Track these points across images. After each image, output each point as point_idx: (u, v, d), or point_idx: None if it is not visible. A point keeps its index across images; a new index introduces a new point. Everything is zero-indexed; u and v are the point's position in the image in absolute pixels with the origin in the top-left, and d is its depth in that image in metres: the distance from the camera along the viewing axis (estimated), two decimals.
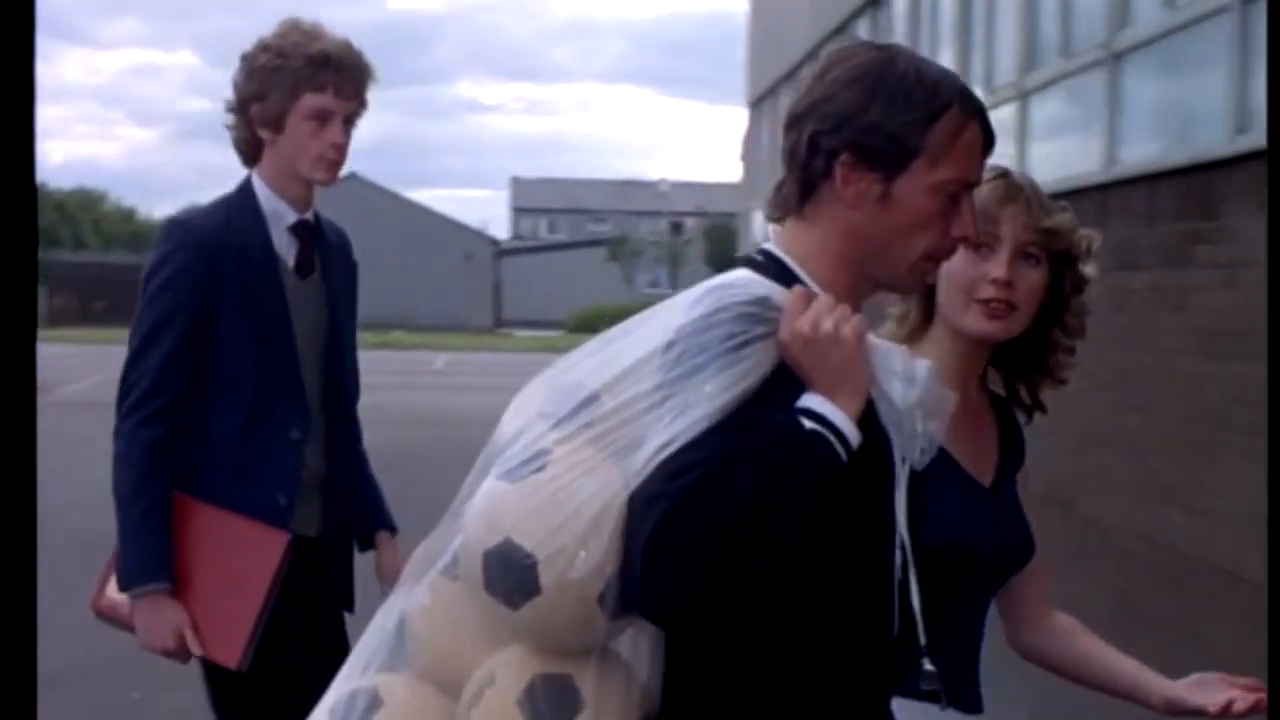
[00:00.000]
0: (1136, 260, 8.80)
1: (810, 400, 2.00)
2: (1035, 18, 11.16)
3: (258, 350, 3.56)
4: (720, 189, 71.84)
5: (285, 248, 3.63)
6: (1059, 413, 2.72)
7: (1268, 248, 4.67)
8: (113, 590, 3.57)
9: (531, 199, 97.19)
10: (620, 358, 2.04)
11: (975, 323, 2.52)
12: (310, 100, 3.56)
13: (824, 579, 2.03)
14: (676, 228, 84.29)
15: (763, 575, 1.98)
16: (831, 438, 1.98)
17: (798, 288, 2.05)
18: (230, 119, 3.66)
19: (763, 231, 23.27)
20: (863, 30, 16.73)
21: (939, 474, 2.31)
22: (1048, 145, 11.48)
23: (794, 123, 2.11)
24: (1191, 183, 7.80)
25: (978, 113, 2.10)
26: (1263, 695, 2.50)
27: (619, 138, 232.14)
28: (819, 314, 2.01)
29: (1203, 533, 7.30)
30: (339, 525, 3.73)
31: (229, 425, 3.54)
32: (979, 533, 2.51)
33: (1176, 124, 8.93)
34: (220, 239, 3.55)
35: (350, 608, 3.77)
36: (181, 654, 3.50)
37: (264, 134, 3.61)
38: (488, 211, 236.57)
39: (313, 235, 3.69)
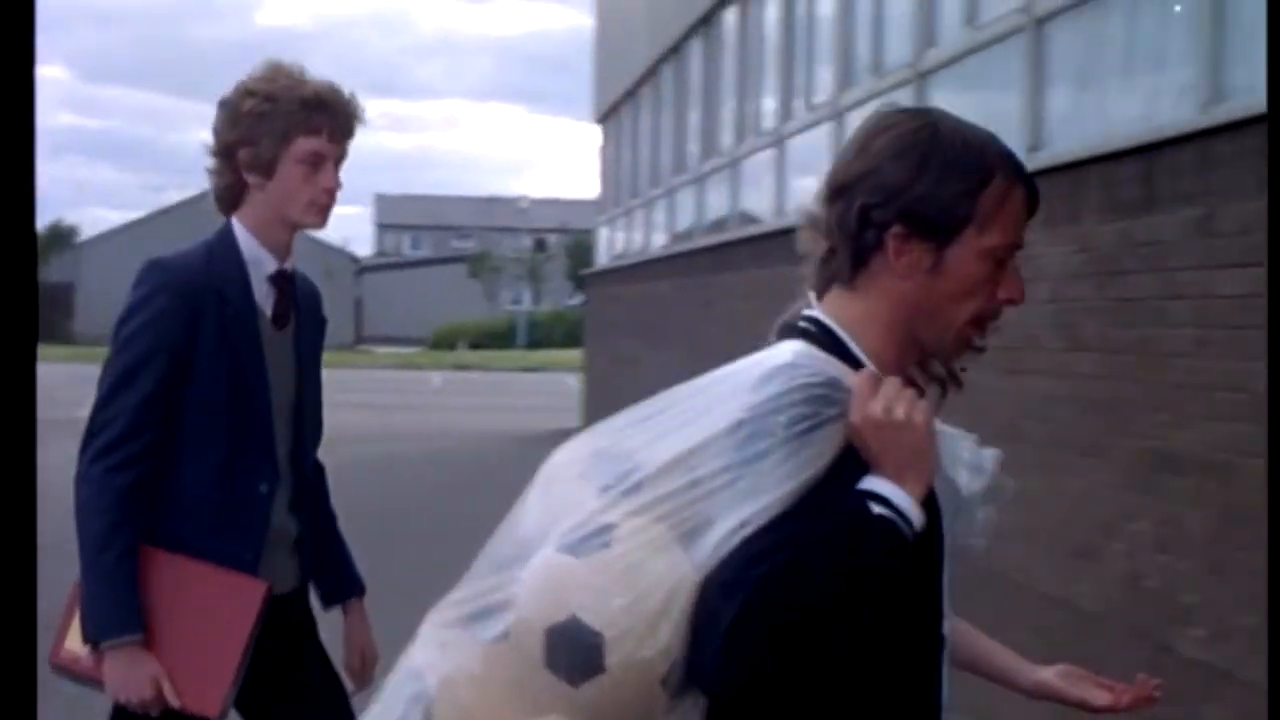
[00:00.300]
0: None
1: (877, 484, 2.02)
2: (850, 38, 11.29)
3: (233, 400, 3.48)
4: (582, 205, 71.96)
5: (264, 297, 3.56)
6: None
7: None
8: (72, 642, 3.47)
9: (396, 215, 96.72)
10: (681, 432, 2.02)
11: None
12: (303, 144, 3.50)
13: (875, 651, 2.05)
14: (540, 245, 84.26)
15: (836, 658, 1.99)
16: (899, 521, 2.00)
17: (865, 371, 2.06)
18: (213, 164, 3.57)
19: (609, 249, 23.26)
20: (696, 49, 16.85)
21: None
22: None
23: (838, 194, 2.12)
24: None
25: (1021, 175, 2.15)
26: (1136, 692, 2.52)
27: (487, 155, 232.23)
28: (891, 399, 2.02)
29: (995, 546, 7.42)
30: (308, 579, 3.71)
31: (199, 476, 3.47)
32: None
33: None
34: (202, 283, 3.47)
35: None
36: (158, 704, 3.41)
37: (252, 179, 3.52)
38: (352, 228, 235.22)
39: (290, 286, 3.62)
